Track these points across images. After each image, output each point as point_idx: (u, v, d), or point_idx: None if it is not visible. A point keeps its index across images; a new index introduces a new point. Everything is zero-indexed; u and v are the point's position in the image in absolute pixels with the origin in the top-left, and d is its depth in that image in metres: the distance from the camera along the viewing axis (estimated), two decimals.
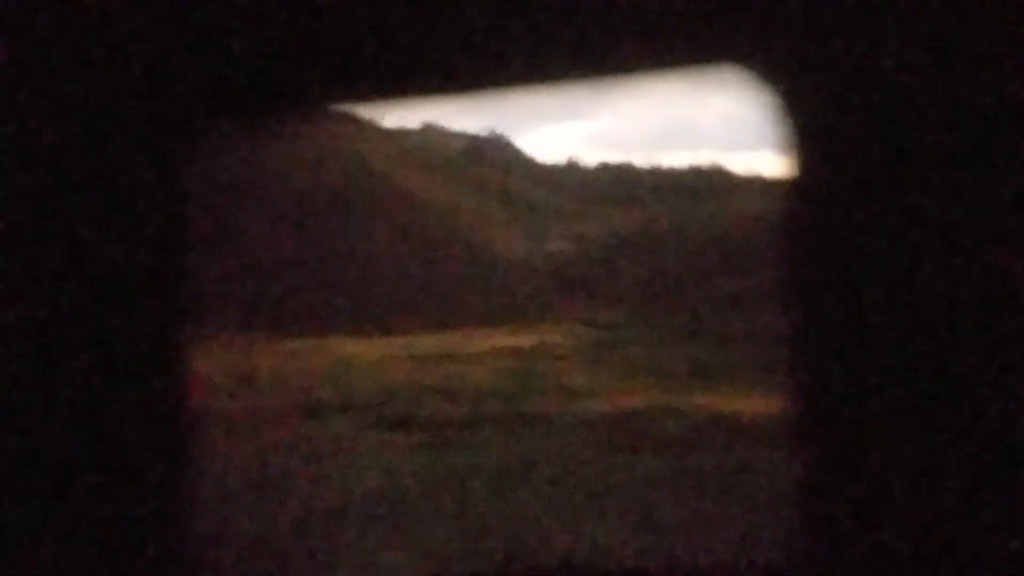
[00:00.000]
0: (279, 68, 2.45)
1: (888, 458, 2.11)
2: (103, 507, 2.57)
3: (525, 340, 24.02)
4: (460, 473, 12.40)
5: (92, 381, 2.50)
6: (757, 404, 16.58)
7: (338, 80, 2.48)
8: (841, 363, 2.11)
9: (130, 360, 2.51)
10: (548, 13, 2.38)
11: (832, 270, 2.22)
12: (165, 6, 2.46)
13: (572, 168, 36.86)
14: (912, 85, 2.16)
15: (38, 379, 2.54)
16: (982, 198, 2.14)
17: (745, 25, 2.27)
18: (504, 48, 2.40)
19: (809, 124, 2.24)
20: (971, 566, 2.16)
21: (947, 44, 2.17)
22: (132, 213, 2.48)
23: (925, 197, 2.16)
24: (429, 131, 40.73)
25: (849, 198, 2.20)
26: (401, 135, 39.69)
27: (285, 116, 2.74)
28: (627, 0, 2.33)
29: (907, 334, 2.10)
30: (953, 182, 2.15)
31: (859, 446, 2.12)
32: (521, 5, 2.36)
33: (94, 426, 2.50)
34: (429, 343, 24.67)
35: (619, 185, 34.06)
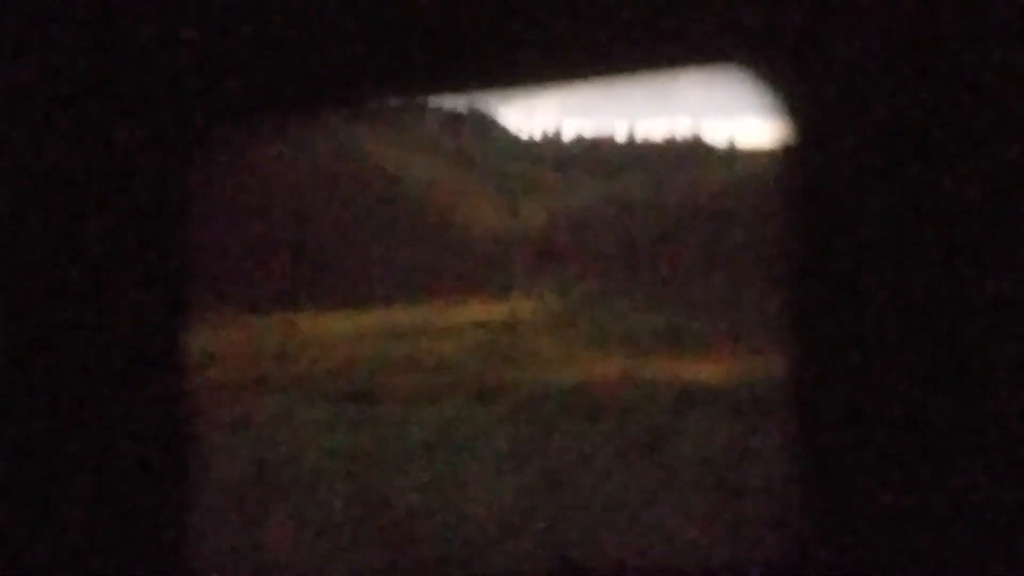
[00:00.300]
0: (279, 67, 2.51)
1: (880, 429, 2.14)
2: (104, 493, 2.55)
3: (496, 312, 24.04)
4: (417, 446, 12.33)
5: (93, 369, 2.57)
6: (726, 372, 16.56)
7: (339, 80, 2.55)
8: (838, 339, 2.15)
9: (129, 346, 2.57)
10: (549, 14, 2.36)
11: (830, 269, 2.26)
12: (167, 6, 2.50)
13: (549, 140, 36.79)
14: (911, 83, 2.18)
15: (38, 371, 2.57)
16: (980, 192, 2.14)
17: (745, 25, 2.28)
18: (504, 49, 2.45)
19: (808, 122, 2.26)
20: (969, 560, 2.12)
21: (946, 42, 2.16)
22: (134, 204, 2.54)
23: (922, 191, 2.16)
24: (409, 106, 40.70)
25: (847, 191, 2.22)
26: (381, 111, 39.68)
27: (284, 114, 2.86)
28: (627, 1, 2.27)
29: (904, 314, 2.12)
30: (952, 178, 2.15)
31: (852, 412, 2.15)
32: (521, 7, 2.37)
33: (95, 414, 2.55)
34: (401, 317, 24.68)
35: (595, 156, 34.04)
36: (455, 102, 41.27)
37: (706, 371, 16.80)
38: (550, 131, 36.35)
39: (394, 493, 10.62)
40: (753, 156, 32.52)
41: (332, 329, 22.98)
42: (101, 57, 2.53)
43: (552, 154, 34.88)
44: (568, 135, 35.81)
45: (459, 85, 2.65)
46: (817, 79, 2.25)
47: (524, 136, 37.83)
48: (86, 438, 2.57)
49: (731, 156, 31.41)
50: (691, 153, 32.08)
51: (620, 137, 34.89)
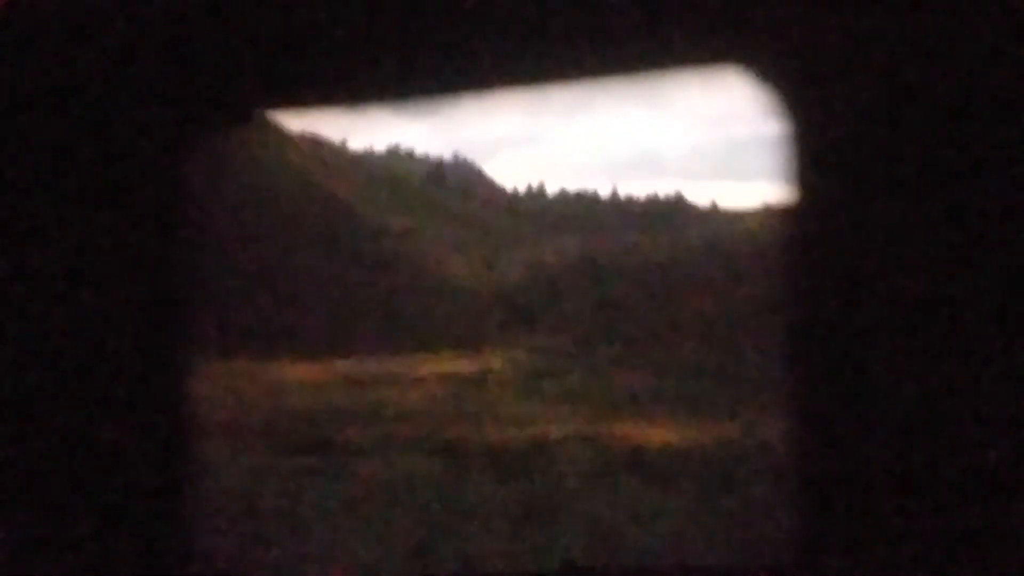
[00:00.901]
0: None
1: (881, 475, 2.17)
2: (104, 516, 2.58)
3: (467, 366, 23.90)
4: (346, 498, 12.14)
5: (91, 391, 2.58)
6: (681, 435, 16.41)
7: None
8: (837, 374, 2.20)
9: (129, 374, 2.55)
10: (551, 14, 2.37)
11: (833, 267, 2.20)
12: (161, 14, 2.51)
13: (532, 194, 36.93)
14: (911, 85, 2.16)
15: (38, 386, 2.59)
16: (981, 196, 2.11)
17: (745, 25, 2.27)
18: (506, 47, 2.46)
19: (808, 123, 2.22)
20: (968, 565, 2.14)
21: (946, 44, 2.15)
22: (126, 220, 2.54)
23: (924, 197, 2.13)
24: (395, 155, 40.87)
25: (848, 197, 2.18)
26: (366, 158, 39.83)
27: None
28: (632, 1, 2.32)
29: (905, 342, 2.16)
30: (952, 181, 2.12)
31: (851, 466, 2.14)
32: (524, 6, 2.40)
33: (95, 437, 2.53)
34: (371, 367, 24.52)
35: (577, 212, 34.12)
36: (442, 149, 41.46)
37: (659, 433, 16.64)
38: (534, 184, 36.56)
39: (333, 545, 10.46)
40: (735, 218, 32.64)
41: (296, 378, 22.81)
42: (100, 61, 2.53)
43: (534, 208, 34.97)
44: (551, 190, 36.04)
45: (461, 84, 2.64)
46: (817, 80, 2.25)
47: (508, 189, 38.07)
48: (84, 455, 2.57)
49: (712, 216, 31.51)
50: (673, 213, 32.17)
51: (603, 194, 35.10)
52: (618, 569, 6.74)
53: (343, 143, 36.35)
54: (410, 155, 40.45)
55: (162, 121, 2.56)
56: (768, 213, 29.61)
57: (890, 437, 2.17)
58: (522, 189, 37.21)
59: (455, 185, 37.70)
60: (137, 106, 2.55)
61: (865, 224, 2.20)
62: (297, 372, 23.26)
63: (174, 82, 2.54)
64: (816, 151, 2.26)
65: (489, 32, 2.45)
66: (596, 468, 13.16)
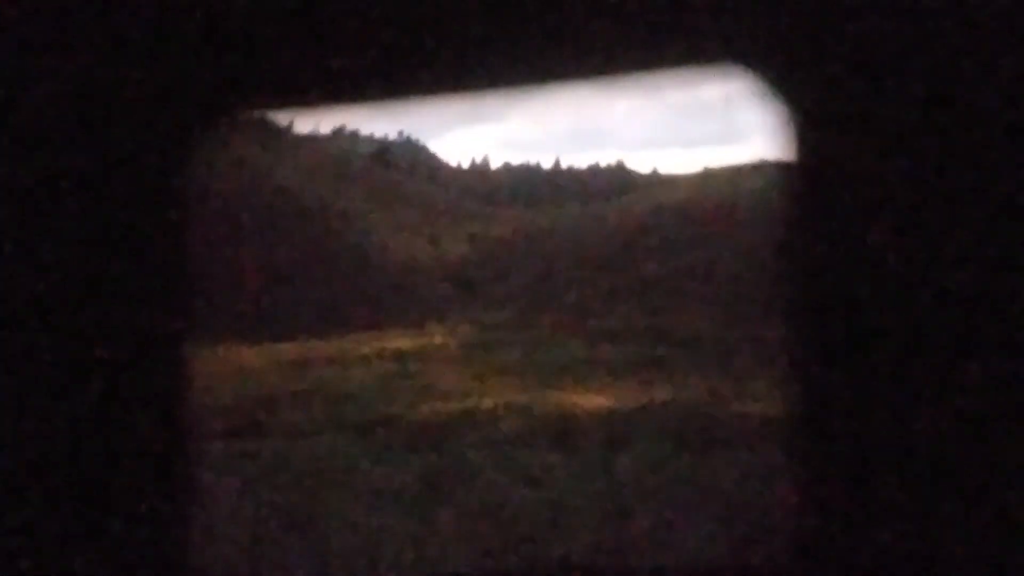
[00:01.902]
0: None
1: (879, 461, 2.15)
2: (103, 509, 2.58)
3: (410, 342, 23.93)
4: (273, 482, 12.19)
5: (93, 382, 2.57)
6: (616, 400, 16.56)
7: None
8: (834, 362, 2.19)
9: (130, 361, 2.57)
10: (549, 14, 2.38)
11: (829, 263, 2.21)
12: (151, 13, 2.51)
13: (476, 170, 36.92)
14: (911, 84, 2.17)
15: (38, 381, 2.59)
16: (980, 197, 2.12)
17: (745, 25, 2.27)
18: (504, 47, 2.46)
19: (808, 122, 2.23)
20: (968, 567, 2.13)
21: (946, 45, 2.16)
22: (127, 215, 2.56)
23: (923, 193, 2.15)
24: (340, 136, 40.73)
25: (848, 194, 2.19)
26: (312, 141, 39.69)
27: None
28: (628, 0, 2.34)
29: (904, 332, 2.14)
30: (951, 178, 2.14)
31: (849, 446, 2.18)
32: (522, 6, 2.41)
33: (96, 429, 2.56)
34: (315, 349, 24.49)
35: (521, 186, 34.18)
36: (388, 130, 41.32)
37: (598, 401, 16.77)
38: (478, 160, 36.58)
39: (264, 529, 10.52)
40: (675, 184, 32.81)
41: (237, 363, 22.75)
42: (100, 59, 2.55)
43: (478, 183, 34.99)
44: (495, 164, 36.11)
45: (456, 85, 2.64)
46: (818, 80, 2.24)
47: (452, 164, 38.11)
48: (86, 446, 2.60)
49: (653, 183, 31.63)
50: (614, 181, 32.26)
51: (546, 166, 35.22)
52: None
53: (289, 126, 36.14)
54: (355, 136, 40.30)
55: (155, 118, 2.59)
56: (707, 178, 29.76)
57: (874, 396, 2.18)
58: (466, 165, 37.15)
59: (399, 165, 37.62)
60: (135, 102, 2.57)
61: (849, 188, 2.23)
62: (239, 357, 23.18)
63: (168, 80, 2.56)
64: (815, 150, 2.28)
65: (488, 30, 2.46)
66: (520, 436, 13.26)
